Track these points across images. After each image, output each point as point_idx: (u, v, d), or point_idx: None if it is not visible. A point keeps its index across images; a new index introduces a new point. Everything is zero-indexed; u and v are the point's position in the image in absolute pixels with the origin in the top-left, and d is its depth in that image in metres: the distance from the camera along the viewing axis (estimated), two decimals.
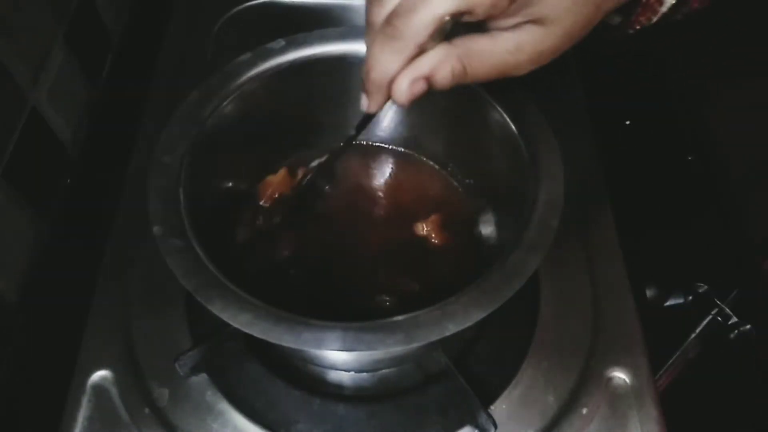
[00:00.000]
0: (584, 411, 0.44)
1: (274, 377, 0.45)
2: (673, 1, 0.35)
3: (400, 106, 0.33)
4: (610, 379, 0.46)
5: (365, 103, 0.35)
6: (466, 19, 0.31)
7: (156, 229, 0.36)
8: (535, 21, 0.31)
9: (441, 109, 0.48)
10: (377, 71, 0.32)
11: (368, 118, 0.38)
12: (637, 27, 0.37)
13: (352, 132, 0.40)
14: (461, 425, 0.43)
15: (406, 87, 0.32)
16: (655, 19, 0.36)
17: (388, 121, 0.51)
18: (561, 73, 0.61)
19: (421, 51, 0.31)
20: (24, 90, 0.49)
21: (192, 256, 0.35)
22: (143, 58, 0.64)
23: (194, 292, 0.34)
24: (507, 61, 0.32)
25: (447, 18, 0.30)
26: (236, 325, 0.33)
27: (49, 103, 0.53)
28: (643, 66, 0.62)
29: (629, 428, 0.44)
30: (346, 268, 0.46)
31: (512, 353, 0.46)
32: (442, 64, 0.31)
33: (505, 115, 0.42)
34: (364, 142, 0.52)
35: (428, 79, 0.31)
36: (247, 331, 0.33)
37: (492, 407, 0.44)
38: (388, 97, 0.34)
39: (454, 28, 0.32)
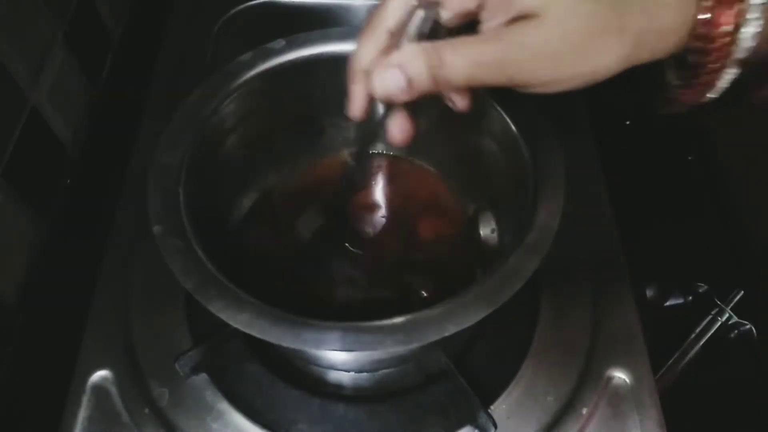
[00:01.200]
0: (584, 411, 0.44)
1: (274, 377, 0.45)
2: (732, 76, 0.30)
3: (376, 97, 0.32)
4: (610, 379, 0.46)
5: (348, 107, 0.35)
6: (444, 15, 0.31)
7: (156, 228, 0.36)
8: (527, 16, 0.29)
9: (441, 109, 0.47)
10: (354, 59, 0.33)
11: (367, 134, 0.38)
12: (691, 98, 0.33)
13: (355, 148, 0.40)
14: (461, 425, 0.43)
15: (377, 74, 0.31)
16: (708, 96, 0.32)
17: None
18: None
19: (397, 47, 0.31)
20: (24, 90, 0.49)
21: (192, 255, 0.35)
22: (143, 58, 0.64)
23: (193, 291, 0.34)
24: (487, 55, 0.29)
25: (414, 3, 0.31)
26: (236, 325, 0.33)
27: (49, 103, 0.53)
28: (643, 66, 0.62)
29: (629, 428, 0.44)
30: (346, 270, 0.46)
31: (512, 353, 0.46)
32: (416, 54, 0.30)
33: (505, 116, 0.42)
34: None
35: (403, 72, 0.30)
36: (246, 330, 0.33)
37: (492, 407, 0.44)
38: (370, 98, 0.34)
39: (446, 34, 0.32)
